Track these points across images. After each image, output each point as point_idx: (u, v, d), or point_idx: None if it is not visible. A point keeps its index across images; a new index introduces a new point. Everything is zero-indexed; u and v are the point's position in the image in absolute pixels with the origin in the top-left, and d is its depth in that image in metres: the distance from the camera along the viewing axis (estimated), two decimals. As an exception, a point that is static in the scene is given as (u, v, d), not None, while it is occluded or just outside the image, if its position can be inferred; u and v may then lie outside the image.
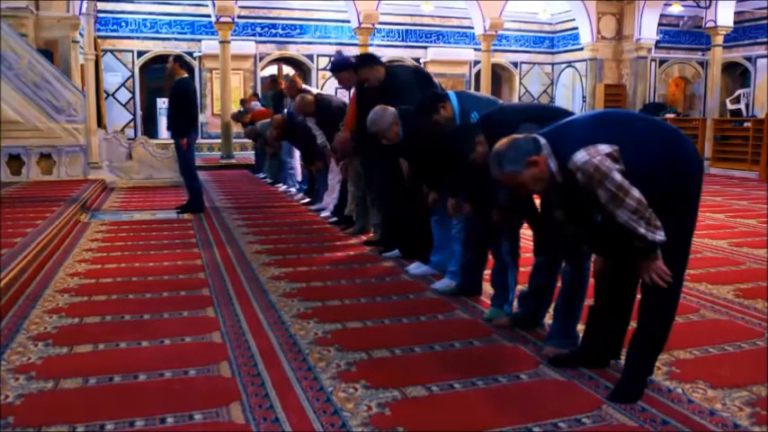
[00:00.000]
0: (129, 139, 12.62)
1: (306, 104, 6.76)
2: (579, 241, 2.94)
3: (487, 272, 4.14)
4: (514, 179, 2.63)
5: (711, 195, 9.71)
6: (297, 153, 9.26)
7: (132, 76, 16.48)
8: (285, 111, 8.38)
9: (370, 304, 4.14)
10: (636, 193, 2.44)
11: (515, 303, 3.79)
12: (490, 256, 4.09)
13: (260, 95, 13.65)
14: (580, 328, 3.21)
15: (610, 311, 2.96)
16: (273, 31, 17.22)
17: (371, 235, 6.11)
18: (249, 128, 11.32)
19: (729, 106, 17.51)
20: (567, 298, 3.28)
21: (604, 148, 2.48)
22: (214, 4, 13.37)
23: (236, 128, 14.92)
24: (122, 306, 4.05)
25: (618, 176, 2.44)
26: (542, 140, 2.62)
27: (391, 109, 4.65)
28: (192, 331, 3.58)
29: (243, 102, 12.24)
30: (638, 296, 2.81)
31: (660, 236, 2.50)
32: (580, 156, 2.47)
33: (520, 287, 3.83)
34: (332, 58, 9.36)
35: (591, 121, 2.83)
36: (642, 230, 2.47)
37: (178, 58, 7.83)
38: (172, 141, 7.89)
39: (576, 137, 2.58)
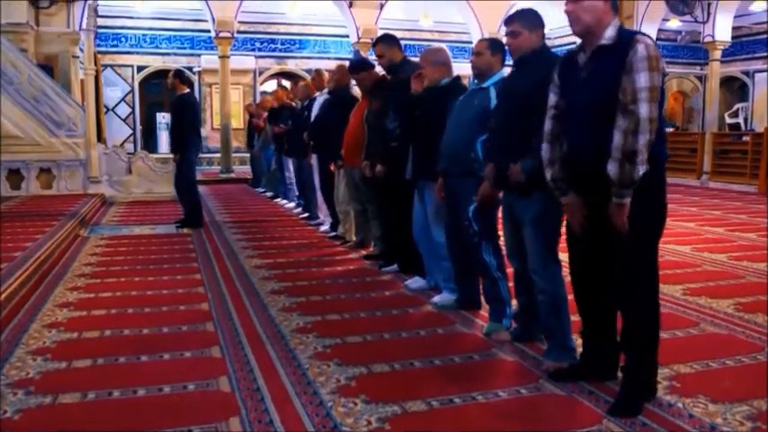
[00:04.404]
0: (128, 153, 12.65)
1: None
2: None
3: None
4: None
5: (710, 209, 9.72)
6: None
7: (132, 90, 16.55)
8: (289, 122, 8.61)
9: (370, 318, 4.13)
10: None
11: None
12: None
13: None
14: (580, 341, 3.21)
15: (596, 331, 2.98)
16: (273, 45, 17.31)
17: (371, 249, 6.11)
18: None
19: (728, 120, 17.59)
20: (547, 315, 3.30)
21: None
22: (214, 20, 13.45)
23: (236, 142, 14.97)
24: (121, 321, 4.04)
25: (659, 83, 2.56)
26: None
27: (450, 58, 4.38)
28: (191, 346, 3.57)
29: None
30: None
31: (639, 172, 2.52)
32: (650, 39, 2.61)
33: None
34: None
35: None
36: (641, 143, 2.51)
37: (179, 73, 7.68)
38: (172, 156, 7.86)
39: None
